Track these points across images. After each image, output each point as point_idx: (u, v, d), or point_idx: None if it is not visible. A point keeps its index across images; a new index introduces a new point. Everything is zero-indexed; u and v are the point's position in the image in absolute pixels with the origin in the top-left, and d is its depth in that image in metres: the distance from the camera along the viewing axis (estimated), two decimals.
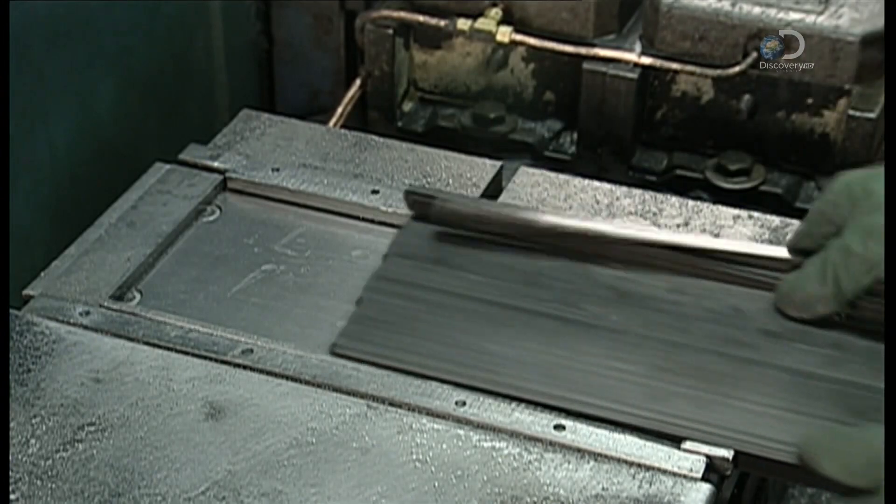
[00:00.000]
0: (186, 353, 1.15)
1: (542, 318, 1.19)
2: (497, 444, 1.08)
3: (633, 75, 1.56)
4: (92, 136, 1.54)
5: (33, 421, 1.08)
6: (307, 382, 1.13)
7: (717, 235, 1.29)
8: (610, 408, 1.11)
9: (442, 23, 1.61)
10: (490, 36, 1.59)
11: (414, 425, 1.09)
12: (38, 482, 1.03)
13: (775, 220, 1.31)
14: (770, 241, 1.29)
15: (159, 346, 1.16)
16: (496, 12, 1.60)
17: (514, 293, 1.22)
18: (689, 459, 1.07)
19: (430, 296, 1.22)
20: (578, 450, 1.08)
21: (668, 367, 1.15)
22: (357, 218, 1.33)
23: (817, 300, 1.18)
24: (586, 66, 1.58)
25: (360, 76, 1.67)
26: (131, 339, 1.16)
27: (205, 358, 1.15)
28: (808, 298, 1.19)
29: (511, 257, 1.25)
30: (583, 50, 1.58)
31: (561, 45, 1.58)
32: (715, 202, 1.39)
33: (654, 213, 1.32)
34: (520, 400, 1.12)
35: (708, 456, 1.08)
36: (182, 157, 1.37)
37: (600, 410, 1.11)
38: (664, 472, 1.07)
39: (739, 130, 1.59)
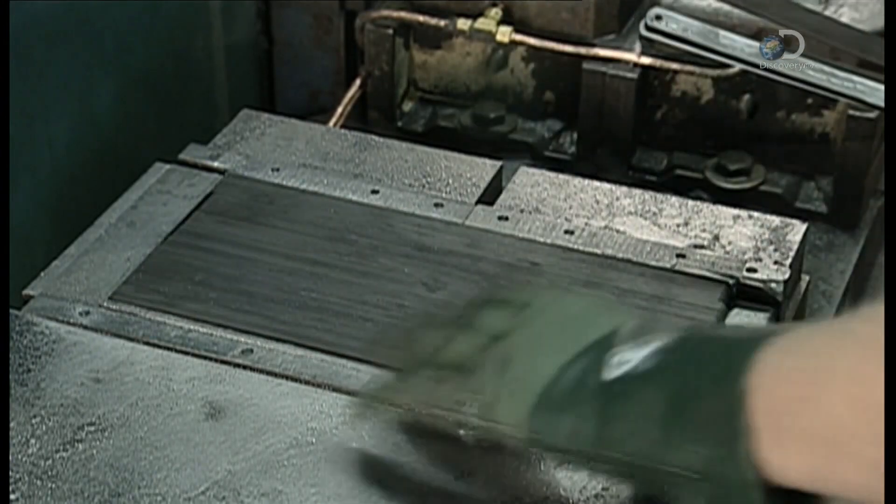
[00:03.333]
0: (186, 353, 1.15)
1: (336, 271, 1.23)
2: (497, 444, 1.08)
3: (633, 75, 1.56)
4: (92, 136, 1.54)
5: (33, 421, 1.08)
6: (307, 382, 1.13)
7: (716, 236, 1.29)
8: (349, 346, 1.15)
9: (442, 23, 1.61)
10: (490, 36, 1.59)
11: None
12: (38, 482, 1.03)
13: (775, 220, 1.31)
14: (770, 241, 1.29)
15: (159, 346, 1.16)
16: (496, 12, 1.60)
17: (316, 248, 1.25)
18: None
19: (228, 249, 1.25)
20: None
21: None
22: None
23: None
24: (586, 66, 1.58)
25: (360, 76, 1.67)
26: (131, 339, 1.16)
27: (205, 358, 1.15)
28: None
29: (321, 215, 1.29)
30: (583, 50, 1.58)
31: (561, 45, 1.58)
32: (715, 202, 1.39)
33: (654, 213, 1.32)
34: (294, 344, 1.15)
35: None
36: (182, 157, 1.37)
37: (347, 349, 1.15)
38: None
39: (739, 130, 1.59)
